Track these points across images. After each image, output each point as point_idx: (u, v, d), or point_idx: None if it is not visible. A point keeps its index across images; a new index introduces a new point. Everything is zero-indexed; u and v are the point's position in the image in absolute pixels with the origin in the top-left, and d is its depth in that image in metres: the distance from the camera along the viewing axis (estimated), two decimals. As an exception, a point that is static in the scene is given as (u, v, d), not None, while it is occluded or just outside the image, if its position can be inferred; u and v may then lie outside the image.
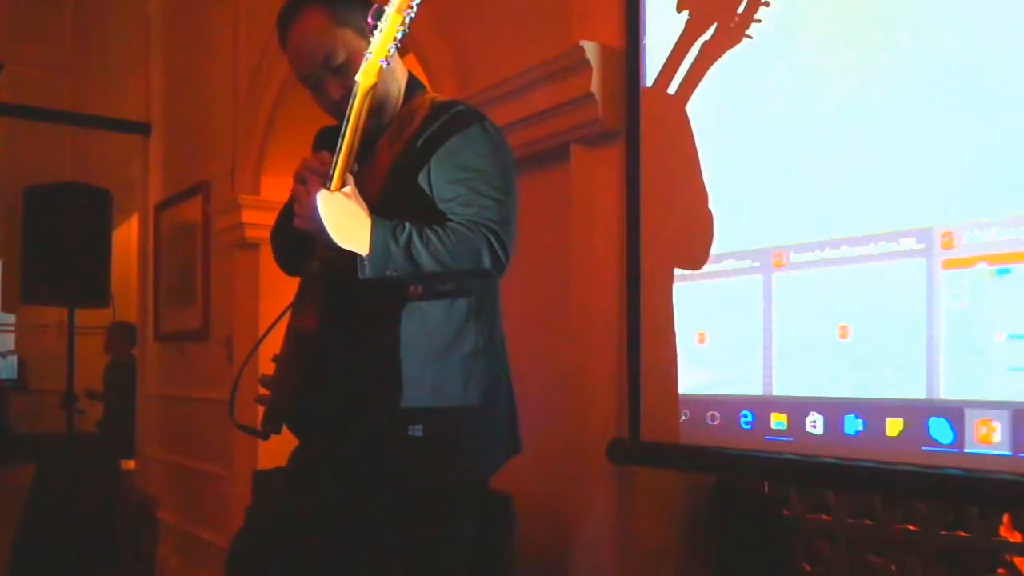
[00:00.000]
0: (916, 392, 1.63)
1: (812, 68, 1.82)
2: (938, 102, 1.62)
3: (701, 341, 2.04)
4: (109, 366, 6.13)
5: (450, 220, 1.55)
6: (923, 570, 1.88)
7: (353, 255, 1.48)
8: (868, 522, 1.97)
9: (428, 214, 1.57)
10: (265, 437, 1.66)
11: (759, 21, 1.92)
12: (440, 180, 1.59)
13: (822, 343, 1.78)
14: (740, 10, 1.94)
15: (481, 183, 1.57)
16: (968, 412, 1.56)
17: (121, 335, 6.03)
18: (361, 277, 1.48)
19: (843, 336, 1.75)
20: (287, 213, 1.75)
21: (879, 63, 1.71)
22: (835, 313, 1.77)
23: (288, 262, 1.81)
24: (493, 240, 1.53)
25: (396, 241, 1.47)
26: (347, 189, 1.48)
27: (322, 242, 1.51)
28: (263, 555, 1.70)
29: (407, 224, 1.49)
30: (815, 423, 1.80)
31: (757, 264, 1.92)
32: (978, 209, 1.55)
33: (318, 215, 1.46)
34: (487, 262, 1.52)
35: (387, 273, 1.48)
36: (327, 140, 1.50)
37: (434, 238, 1.49)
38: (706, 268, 2.02)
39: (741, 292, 1.94)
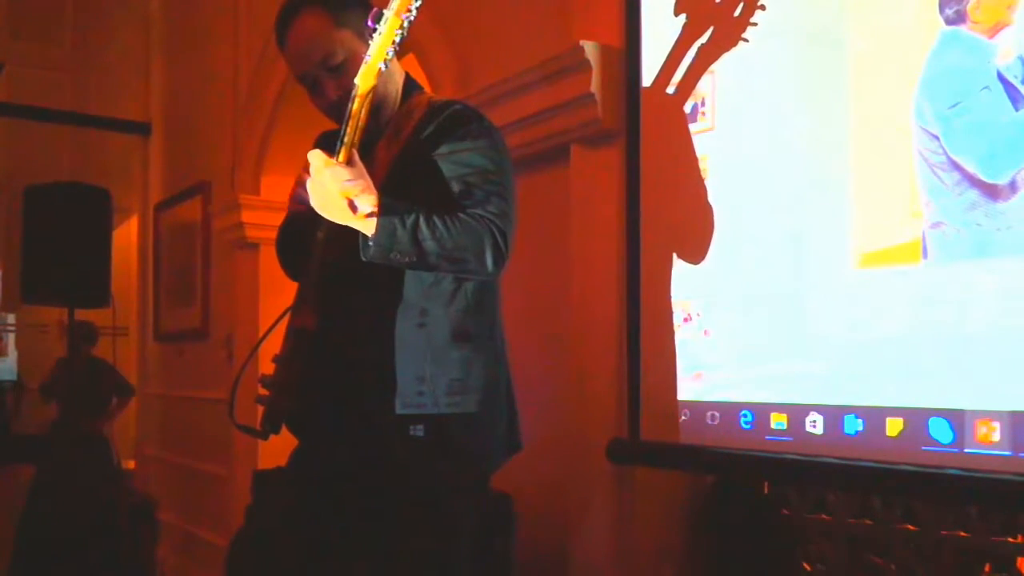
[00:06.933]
0: (916, 392, 1.63)
1: (814, 69, 1.83)
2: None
3: (703, 339, 2.03)
4: (60, 363, 5.37)
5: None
6: (923, 570, 1.88)
7: (353, 257, 1.47)
8: (868, 522, 1.97)
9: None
10: (264, 437, 1.65)
11: (755, 24, 1.92)
12: (439, 178, 1.58)
13: (823, 344, 1.78)
14: (736, 13, 1.95)
15: (481, 179, 1.57)
16: (968, 412, 1.56)
17: (81, 334, 5.59)
18: (364, 259, 1.45)
19: (843, 335, 1.75)
20: (290, 216, 1.74)
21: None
22: (835, 313, 1.77)
23: (291, 266, 1.80)
24: (496, 232, 1.53)
25: (403, 224, 1.44)
26: (356, 168, 1.43)
27: (329, 218, 1.46)
28: (266, 555, 1.70)
29: (415, 208, 1.47)
30: (815, 423, 1.80)
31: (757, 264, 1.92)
32: (976, 208, 1.56)
33: (329, 188, 1.41)
34: (489, 254, 1.52)
35: (391, 256, 1.45)
36: (326, 145, 1.50)
37: (440, 225, 1.48)
38: (707, 268, 2.02)
39: (743, 292, 1.94)
